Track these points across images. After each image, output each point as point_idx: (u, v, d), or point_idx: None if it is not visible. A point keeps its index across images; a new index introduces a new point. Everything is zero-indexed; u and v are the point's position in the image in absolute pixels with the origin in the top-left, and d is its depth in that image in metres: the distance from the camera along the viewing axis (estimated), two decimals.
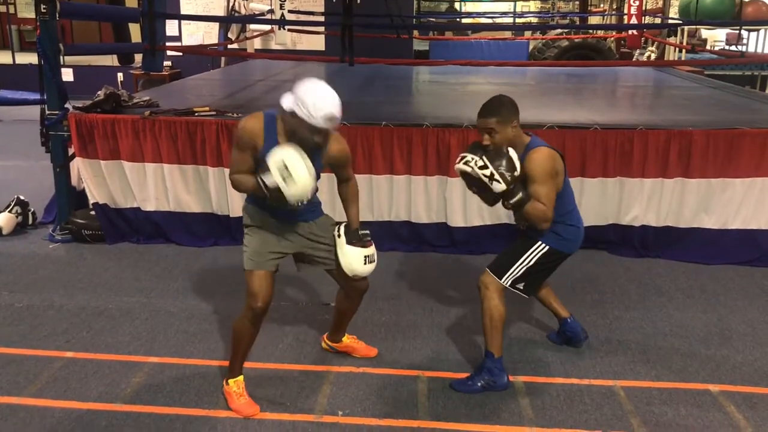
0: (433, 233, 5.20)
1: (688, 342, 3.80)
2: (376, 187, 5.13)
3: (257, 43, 12.80)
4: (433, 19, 17.56)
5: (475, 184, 3.13)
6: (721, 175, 4.97)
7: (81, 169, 5.31)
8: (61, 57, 5.21)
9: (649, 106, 7.14)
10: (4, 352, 3.59)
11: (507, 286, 3.25)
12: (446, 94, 7.37)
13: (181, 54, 12.00)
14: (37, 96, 5.37)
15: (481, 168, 3.03)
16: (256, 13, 11.92)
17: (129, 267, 4.83)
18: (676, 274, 4.80)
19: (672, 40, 12.00)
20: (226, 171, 5.14)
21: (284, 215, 3.06)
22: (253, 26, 12.11)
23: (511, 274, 3.24)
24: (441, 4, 21.11)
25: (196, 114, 5.25)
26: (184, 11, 12.61)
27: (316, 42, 12.87)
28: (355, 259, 3.12)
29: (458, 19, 18.52)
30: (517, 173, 3.02)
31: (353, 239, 3.15)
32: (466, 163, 3.08)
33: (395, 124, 5.00)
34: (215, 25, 12.32)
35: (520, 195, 3.05)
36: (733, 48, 13.45)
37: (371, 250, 3.17)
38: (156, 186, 5.24)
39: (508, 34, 16.66)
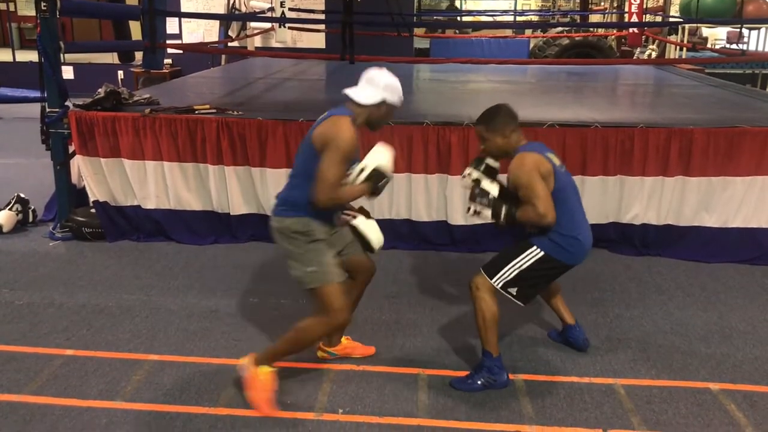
0: (433, 231, 5.20)
1: (689, 340, 3.80)
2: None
3: (257, 41, 12.80)
4: (440, 18, 17.54)
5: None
6: (722, 173, 4.97)
7: (81, 167, 5.31)
8: (62, 54, 5.21)
9: (650, 105, 7.13)
10: (4, 349, 3.60)
11: (498, 288, 3.20)
12: (447, 92, 7.37)
13: (181, 52, 12.00)
14: (37, 94, 5.36)
15: (468, 212, 3.27)
16: (257, 10, 11.91)
17: (129, 265, 4.83)
18: (677, 272, 4.80)
19: (673, 38, 12.00)
20: (227, 169, 5.15)
21: (331, 220, 3.13)
22: (253, 24, 12.11)
23: (502, 275, 3.19)
24: (442, 2, 21.11)
25: (197, 112, 5.25)
26: (184, 9, 12.60)
27: (317, 40, 12.86)
28: (376, 230, 3.23)
29: (459, 17, 18.50)
30: (491, 196, 3.17)
31: (366, 215, 3.28)
32: (464, 179, 3.31)
33: (395, 122, 4.99)
34: (215, 23, 12.31)
35: (504, 210, 3.13)
36: (733, 46, 13.42)
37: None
38: (156, 184, 5.24)
39: (508, 32, 16.65)
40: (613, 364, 3.52)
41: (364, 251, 3.28)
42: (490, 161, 3.28)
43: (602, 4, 18.56)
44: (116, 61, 13.88)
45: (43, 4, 4.93)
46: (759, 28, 13.63)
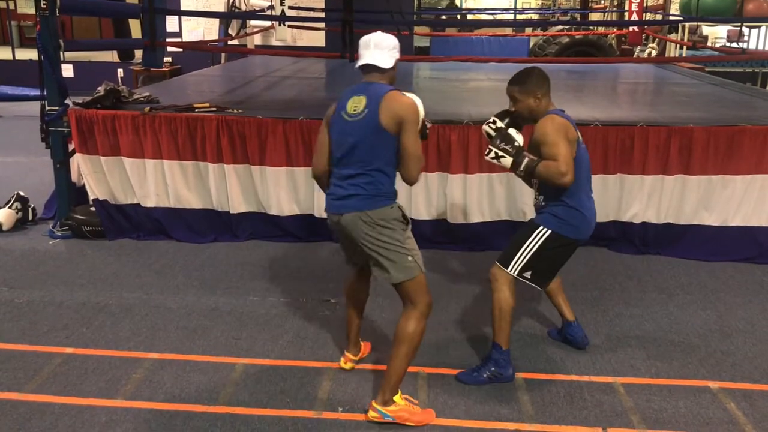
0: (433, 230, 5.20)
1: (688, 339, 3.80)
2: None
3: (257, 40, 12.81)
4: (440, 16, 17.53)
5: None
6: (722, 172, 4.97)
7: (81, 165, 5.30)
8: (61, 53, 5.21)
9: (650, 103, 7.13)
10: (4, 347, 3.60)
11: (515, 275, 3.23)
12: (447, 90, 7.37)
13: (181, 50, 12.00)
14: (37, 92, 5.37)
15: (488, 154, 3.21)
16: (257, 9, 11.91)
17: (129, 263, 4.83)
18: (676, 271, 4.80)
19: (673, 36, 11.99)
20: (226, 167, 5.15)
21: None
22: (253, 22, 12.10)
23: (516, 262, 3.22)
24: (442, 0, 21.10)
25: (196, 110, 5.25)
26: (184, 7, 12.59)
27: (317, 38, 12.86)
28: None
29: (459, 16, 18.49)
30: (517, 143, 3.15)
31: None
32: (488, 125, 3.31)
33: None
34: (215, 21, 12.31)
35: (525, 161, 3.09)
36: (734, 45, 13.42)
37: None
38: (156, 182, 5.23)
39: (509, 30, 16.63)
40: (612, 363, 3.52)
41: None
42: (515, 118, 3.28)
43: (602, 2, 18.53)
44: (116, 59, 13.90)
45: (42, 2, 4.92)
46: (759, 27, 13.62)
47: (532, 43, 15.12)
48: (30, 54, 11.36)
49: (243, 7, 11.64)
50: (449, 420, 3.01)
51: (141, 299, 4.21)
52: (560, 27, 14.86)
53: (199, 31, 13.13)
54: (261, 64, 10.18)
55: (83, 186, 5.43)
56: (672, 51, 12.33)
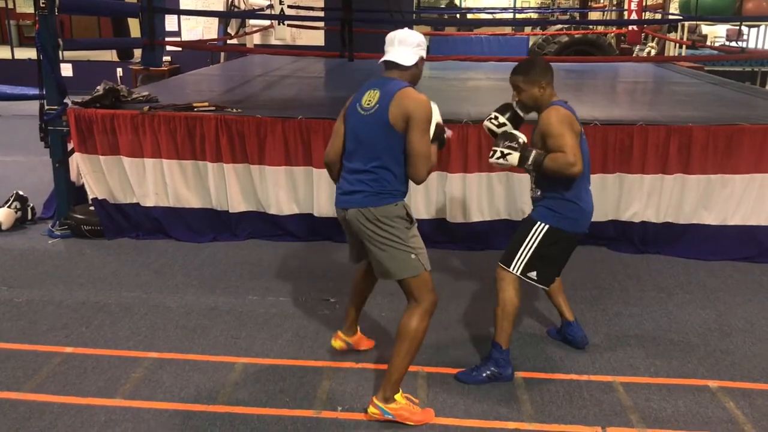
0: (432, 229, 5.19)
1: (687, 338, 3.80)
2: None
3: (257, 39, 12.79)
4: (440, 15, 17.53)
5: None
6: (721, 171, 4.97)
7: (80, 165, 5.30)
8: (60, 52, 5.21)
9: (649, 102, 7.13)
10: (3, 347, 3.59)
11: (519, 275, 3.23)
12: (445, 89, 7.36)
13: (180, 49, 11.98)
14: (36, 91, 5.36)
15: (492, 156, 3.18)
16: (256, 8, 11.90)
17: (128, 262, 4.83)
18: (676, 270, 4.80)
19: (672, 35, 12.00)
20: (226, 166, 5.15)
21: None
22: (252, 21, 12.09)
23: (518, 261, 3.22)
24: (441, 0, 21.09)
25: (196, 109, 5.24)
26: (183, 6, 12.57)
27: (316, 37, 12.85)
28: None
29: (458, 15, 18.50)
30: (521, 140, 3.12)
31: None
32: (490, 121, 3.28)
33: None
34: (214, 21, 12.29)
35: (533, 155, 3.08)
36: (733, 44, 13.43)
37: None
38: (155, 181, 5.23)
39: (508, 29, 16.64)
40: (612, 362, 3.52)
41: None
42: (517, 110, 3.27)
43: (602, 1, 18.54)
44: (115, 58, 13.90)
45: (41, 1, 4.92)
46: (758, 26, 13.62)
47: (531, 43, 15.11)
48: (29, 53, 11.35)
49: (242, 6, 11.62)
50: (449, 419, 3.01)
51: (140, 298, 4.21)
52: (559, 26, 14.85)
53: (198, 30, 13.12)
54: (260, 63, 10.17)
55: (82, 185, 5.42)
56: (671, 50, 12.33)
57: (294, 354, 3.56)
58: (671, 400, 3.18)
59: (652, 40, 12.73)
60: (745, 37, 13.69)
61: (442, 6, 20.72)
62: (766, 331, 3.90)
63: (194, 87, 7.33)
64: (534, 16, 19.83)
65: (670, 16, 12.59)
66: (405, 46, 2.94)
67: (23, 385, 3.22)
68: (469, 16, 19.23)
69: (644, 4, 11.81)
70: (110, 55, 13.87)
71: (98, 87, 5.40)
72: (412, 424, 2.96)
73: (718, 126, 4.97)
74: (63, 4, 5.08)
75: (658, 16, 13.07)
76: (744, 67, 12.18)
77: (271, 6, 11.79)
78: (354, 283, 3.45)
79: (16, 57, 14.15)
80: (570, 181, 3.15)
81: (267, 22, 12.32)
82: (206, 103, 5.40)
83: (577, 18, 17.20)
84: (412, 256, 2.93)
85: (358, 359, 3.49)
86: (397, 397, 2.97)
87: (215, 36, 12.04)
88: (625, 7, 12.29)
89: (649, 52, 12.52)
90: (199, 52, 11.74)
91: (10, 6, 18.19)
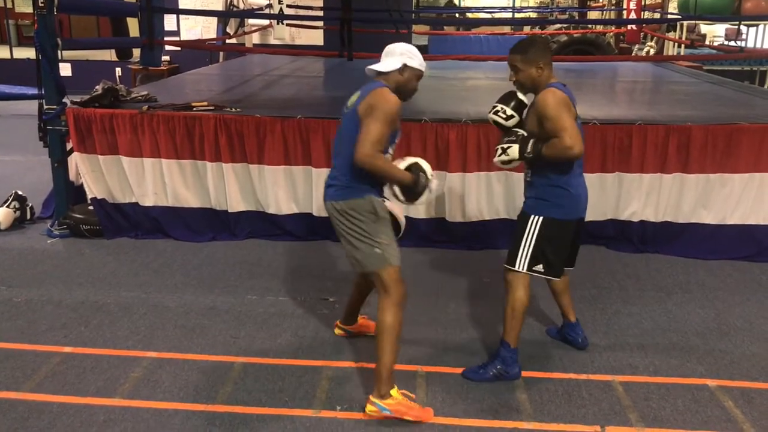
0: (431, 229, 5.20)
1: (686, 337, 3.81)
2: None
3: (256, 38, 12.79)
4: (439, 15, 17.53)
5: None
6: (720, 170, 4.97)
7: (79, 164, 5.30)
8: (59, 52, 5.20)
9: (648, 102, 7.13)
10: (2, 347, 3.59)
11: (525, 272, 3.22)
12: (445, 89, 7.36)
13: (179, 49, 11.98)
14: (35, 91, 5.35)
15: (497, 155, 3.21)
16: (255, 7, 11.89)
17: (127, 262, 4.82)
18: (675, 269, 4.80)
19: (671, 35, 11.99)
20: (225, 166, 5.15)
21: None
22: (251, 21, 12.09)
23: (521, 259, 3.21)
24: None
25: (194, 109, 5.24)
26: (182, 6, 12.59)
27: (315, 37, 12.85)
28: (402, 215, 3.31)
29: (457, 14, 18.49)
30: (519, 133, 3.15)
31: None
32: (495, 113, 3.25)
33: None
34: (214, 20, 12.29)
35: (531, 144, 3.08)
36: (732, 43, 13.43)
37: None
38: (154, 181, 5.23)
39: (507, 29, 16.63)
40: (611, 361, 3.52)
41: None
42: (521, 96, 3.24)
43: (600, 0, 18.54)
44: (114, 58, 13.88)
45: (40, 1, 4.91)
46: (757, 25, 13.63)
47: None
48: (28, 53, 11.32)
49: (241, 6, 11.62)
50: (448, 418, 3.01)
51: (139, 298, 4.21)
52: (558, 25, 14.84)
53: (197, 29, 13.11)
54: (259, 62, 10.17)
55: (81, 185, 5.42)
56: (670, 49, 12.32)
57: (293, 353, 3.56)
58: (670, 399, 3.19)
59: (651, 40, 12.72)
60: (743, 36, 13.71)
61: (441, 5, 20.71)
62: (765, 330, 3.90)
63: (193, 86, 7.33)
64: (533, 15, 19.83)
65: (669, 16, 12.59)
66: (390, 56, 3.10)
67: (22, 385, 3.22)
68: (469, 15, 19.23)
69: (643, 3, 11.81)
70: (109, 55, 13.85)
71: (97, 87, 5.40)
72: (410, 419, 2.96)
73: (716, 125, 4.97)
74: (62, 3, 5.07)
75: (657, 16, 13.06)
76: (743, 67, 12.19)
77: (270, 5, 11.79)
78: (354, 281, 3.55)
79: (15, 56, 14.14)
80: (561, 166, 3.13)
81: (266, 22, 12.32)
82: (205, 103, 5.40)
83: (576, 17, 17.17)
84: (377, 250, 3.01)
85: (357, 359, 3.50)
86: (393, 392, 2.99)
87: (214, 35, 12.04)
88: (624, 6, 12.29)
89: (648, 52, 12.51)
90: (198, 52, 11.74)
91: (9, 5, 18.17)
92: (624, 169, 5.03)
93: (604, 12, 17.28)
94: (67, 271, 4.63)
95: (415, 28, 13.33)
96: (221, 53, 11.47)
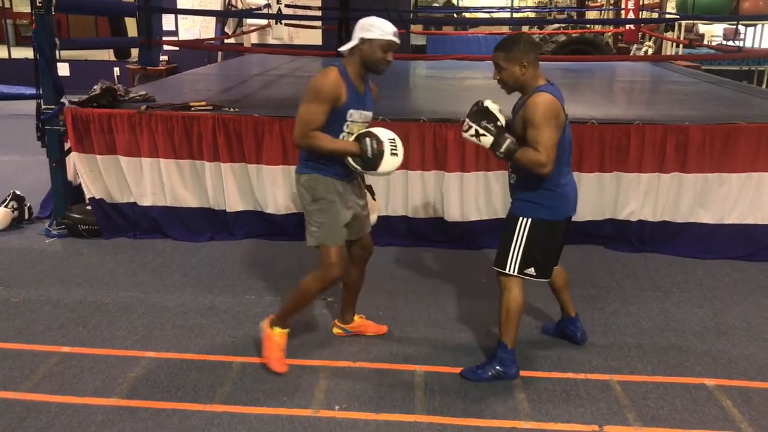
0: (429, 228, 5.20)
1: (684, 336, 3.81)
2: (373, 182, 5.12)
3: (254, 38, 12.79)
4: (437, 15, 17.53)
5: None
6: (718, 169, 4.98)
7: (77, 164, 5.29)
8: (57, 51, 5.20)
9: (646, 101, 7.14)
10: (0, 346, 3.59)
11: (516, 274, 3.20)
12: (443, 88, 7.36)
13: (177, 49, 11.97)
14: (33, 90, 5.34)
15: (467, 131, 3.12)
16: (253, 7, 11.90)
17: (125, 262, 4.82)
18: (673, 269, 4.81)
19: (669, 35, 12.01)
20: (223, 166, 5.14)
21: (347, 176, 3.23)
22: (249, 21, 12.09)
23: (511, 261, 3.19)
24: None
25: (193, 109, 5.24)
26: (180, 6, 12.59)
27: (313, 36, 12.86)
28: (376, 207, 3.55)
29: (455, 14, 18.50)
30: (499, 123, 3.07)
31: (372, 195, 3.59)
32: (465, 131, 3.18)
33: (392, 119, 4.98)
34: (212, 20, 12.29)
35: (507, 143, 3.01)
36: (730, 43, 13.44)
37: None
38: (152, 181, 5.23)
39: (505, 28, 16.64)
40: (609, 360, 3.53)
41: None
42: (489, 105, 3.13)
43: (599, 0, 18.55)
44: (112, 57, 13.83)
45: (38, 0, 4.91)
46: (755, 25, 13.65)
47: None
48: (26, 53, 11.33)
49: (239, 6, 11.63)
50: (446, 418, 3.02)
51: (137, 298, 4.21)
52: (557, 25, 14.85)
53: (195, 29, 13.11)
54: (257, 62, 10.17)
55: (79, 185, 5.42)
56: (668, 49, 12.33)
57: (291, 353, 3.55)
58: (668, 398, 3.19)
59: (650, 40, 12.73)
60: (741, 36, 13.72)
61: (439, 5, 20.71)
62: (763, 330, 3.91)
63: (191, 86, 7.32)
64: (531, 15, 19.84)
65: (667, 16, 12.60)
66: (352, 39, 3.16)
67: (20, 385, 3.22)
68: (467, 15, 19.23)
69: (641, 3, 11.82)
70: (107, 55, 13.82)
71: (95, 86, 5.39)
72: (264, 361, 3.33)
73: (714, 125, 4.98)
74: (60, 3, 5.07)
75: (655, 16, 13.08)
76: (741, 66, 12.21)
77: (268, 5, 11.79)
78: (344, 277, 3.52)
79: (13, 56, 14.13)
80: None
81: (264, 22, 12.32)
82: (203, 103, 5.40)
83: (575, 17, 17.18)
84: (313, 228, 3.22)
85: (356, 358, 3.50)
86: (277, 330, 3.33)
87: (212, 35, 12.04)
88: (623, 6, 12.30)
89: (646, 52, 12.53)
90: (196, 52, 11.75)
91: (7, 5, 18.15)
92: (622, 168, 5.03)
93: (603, 12, 17.29)
94: (65, 271, 4.62)
95: (413, 27, 13.34)
96: (219, 53, 11.48)
